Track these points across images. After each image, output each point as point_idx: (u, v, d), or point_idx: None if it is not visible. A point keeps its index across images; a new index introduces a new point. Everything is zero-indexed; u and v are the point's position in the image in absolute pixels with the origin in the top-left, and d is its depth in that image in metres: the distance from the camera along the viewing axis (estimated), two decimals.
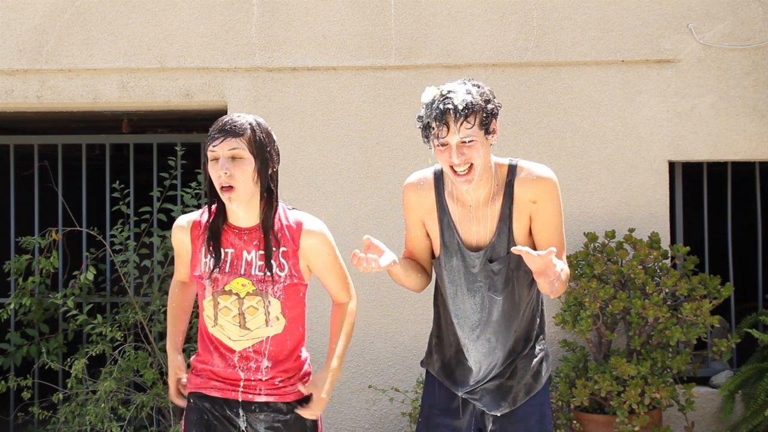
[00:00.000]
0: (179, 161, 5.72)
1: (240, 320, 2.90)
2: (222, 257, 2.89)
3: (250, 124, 2.84)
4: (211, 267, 2.89)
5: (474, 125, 2.80)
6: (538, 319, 3.06)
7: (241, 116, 2.85)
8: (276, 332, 2.93)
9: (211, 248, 2.89)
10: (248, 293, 2.88)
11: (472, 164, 2.82)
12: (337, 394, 5.50)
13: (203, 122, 6.76)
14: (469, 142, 2.80)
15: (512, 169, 2.94)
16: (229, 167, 2.78)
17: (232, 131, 2.79)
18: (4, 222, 6.13)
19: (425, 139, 2.87)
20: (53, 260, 5.63)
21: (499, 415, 3.00)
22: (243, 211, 2.88)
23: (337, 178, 5.57)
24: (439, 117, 2.79)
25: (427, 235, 3.06)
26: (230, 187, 2.79)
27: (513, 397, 2.99)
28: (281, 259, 2.90)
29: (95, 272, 5.62)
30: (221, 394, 2.95)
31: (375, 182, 5.57)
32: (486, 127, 2.82)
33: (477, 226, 2.95)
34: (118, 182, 5.73)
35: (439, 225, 3.00)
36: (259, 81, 5.60)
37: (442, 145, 2.82)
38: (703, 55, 5.53)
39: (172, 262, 5.65)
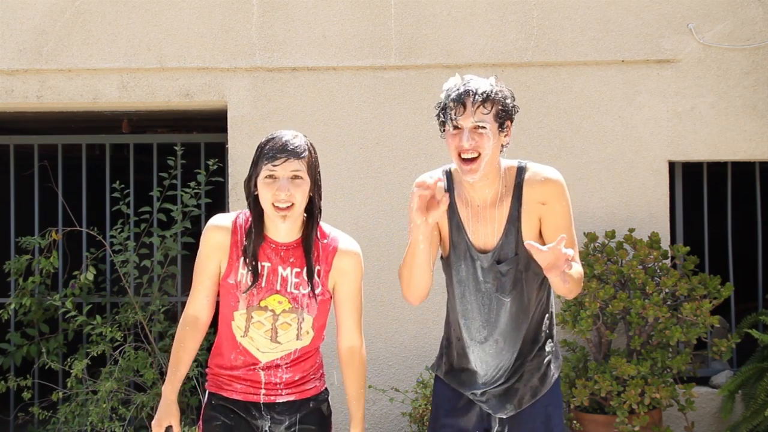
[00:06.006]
0: (179, 161, 5.72)
1: (272, 334, 2.88)
2: (259, 271, 2.85)
3: (307, 145, 2.83)
4: (250, 282, 2.84)
5: (489, 113, 2.83)
6: (547, 321, 3.06)
7: (297, 136, 2.82)
8: (304, 344, 2.94)
9: (247, 261, 2.85)
10: (284, 310, 2.87)
11: (480, 153, 2.82)
12: (337, 394, 5.50)
13: (203, 122, 6.76)
14: (481, 128, 2.81)
15: (521, 171, 2.95)
16: (290, 188, 2.76)
17: (294, 153, 2.77)
18: (4, 222, 6.13)
19: (441, 126, 2.89)
20: (53, 260, 5.63)
21: (504, 417, 3.00)
22: (287, 228, 2.86)
23: (337, 178, 5.57)
24: (457, 98, 2.83)
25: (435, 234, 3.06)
26: (289, 207, 2.78)
27: (519, 399, 3.00)
28: (316, 278, 2.90)
29: (95, 272, 5.62)
30: (243, 397, 2.94)
31: (375, 182, 5.57)
32: (501, 121, 2.86)
33: (485, 228, 2.94)
34: (118, 182, 5.73)
35: (448, 225, 2.99)
36: (259, 81, 5.60)
37: (456, 127, 2.84)
38: (703, 55, 5.53)
39: (172, 263, 5.65)
